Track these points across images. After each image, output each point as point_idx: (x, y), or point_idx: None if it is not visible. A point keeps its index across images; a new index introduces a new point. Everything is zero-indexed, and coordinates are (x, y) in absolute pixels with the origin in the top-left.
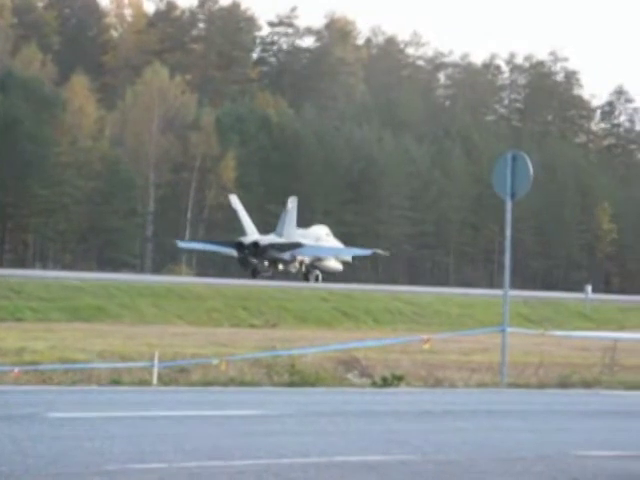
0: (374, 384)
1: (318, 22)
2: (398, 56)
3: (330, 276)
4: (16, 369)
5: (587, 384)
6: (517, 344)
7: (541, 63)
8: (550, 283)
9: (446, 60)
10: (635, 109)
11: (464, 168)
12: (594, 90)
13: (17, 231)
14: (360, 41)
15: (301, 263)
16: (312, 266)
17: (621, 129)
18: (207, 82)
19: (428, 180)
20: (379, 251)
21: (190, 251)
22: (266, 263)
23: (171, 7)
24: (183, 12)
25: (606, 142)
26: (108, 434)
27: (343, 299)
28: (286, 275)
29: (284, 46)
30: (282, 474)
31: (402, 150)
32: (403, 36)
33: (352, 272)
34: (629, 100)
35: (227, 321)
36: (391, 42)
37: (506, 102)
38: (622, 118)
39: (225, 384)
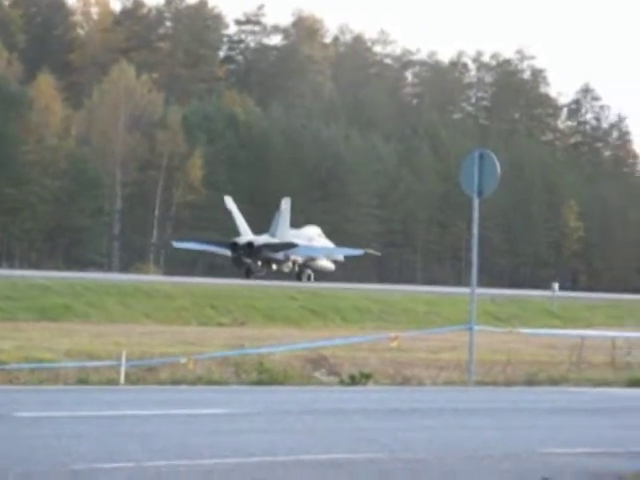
0: (342, 382)
1: (285, 20)
2: (365, 54)
3: (322, 275)
4: None
5: (554, 382)
6: (485, 342)
7: (508, 61)
8: (517, 281)
9: (413, 58)
10: (601, 107)
11: (431, 166)
12: (561, 88)
13: None
14: (328, 39)
15: (294, 263)
16: (305, 266)
17: (588, 127)
18: (174, 80)
19: (395, 178)
20: (371, 251)
21: (186, 251)
22: (259, 263)
23: (138, 5)
24: (150, 10)
25: (573, 140)
26: (75, 433)
27: (311, 297)
28: (279, 275)
29: (251, 44)
30: (250, 473)
31: (369, 148)
32: (370, 34)
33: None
34: (595, 98)
35: (195, 320)
36: (358, 40)
37: (473, 100)
38: (589, 116)
39: (193, 383)
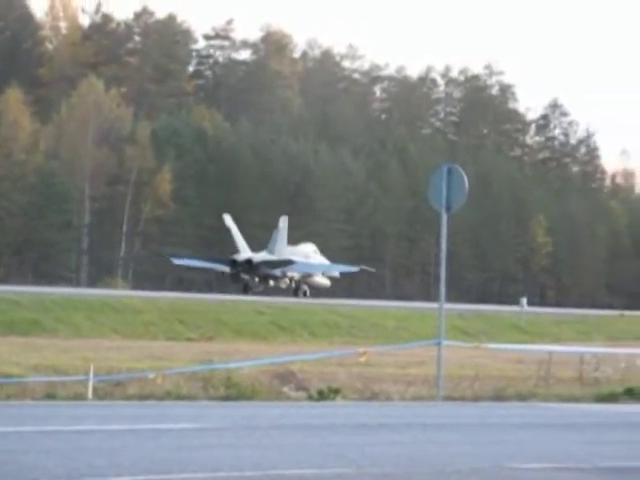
0: (310, 397)
1: (254, 35)
2: (334, 69)
3: (318, 291)
4: None
5: (522, 397)
6: (453, 357)
7: (476, 77)
8: (485, 296)
9: (382, 73)
10: (570, 123)
11: (400, 181)
12: (529, 104)
13: None
14: (296, 54)
15: (291, 279)
16: (301, 282)
17: (556, 142)
18: (143, 95)
19: (364, 193)
20: (366, 268)
21: (186, 268)
22: (257, 279)
23: (107, 20)
24: (119, 25)
25: (541, 155)
26: (43, 448)
27: (279, 312)
28: (276, 290)
29: (220, 59)
30: None
31: (338, 163)
32: (339, 49)
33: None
34: (564, 114)
35: (163, 334)
36: (327, 55)
37: (442, 115)
38: (557, 132)
39: (161, 398)
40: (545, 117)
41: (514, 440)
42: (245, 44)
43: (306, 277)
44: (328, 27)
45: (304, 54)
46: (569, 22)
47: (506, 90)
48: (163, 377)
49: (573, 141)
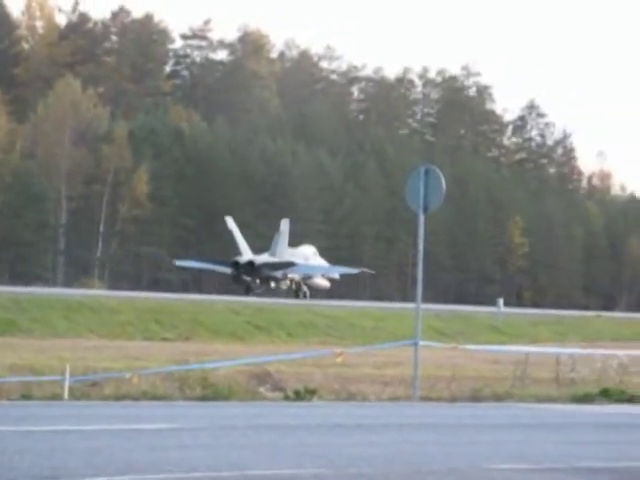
0: (287, 398)
1: (231, 35)
2: (312, 70)
3: (317, 292)
4: None
5: (499, 397)
6: (430, 357)
7: (454, 78)
8: (462, 296)
9: (359, 74)
10: (546, 124)
11: (377, 182)
12: (506, 105)
13: None
14: (274, 54)
15: (292, 281)
16: (301, 283)
17: (533, 144)
18: (120, 95)
19: (341, 194)
20: (366, 270)
21: (187, 269)
22: (258, 281)
23: (83, 19)
24: (96, 24)
25: (518, 156)
26: (18, 448)
27: (256, 313)
28: (277, 292)
29: (197, 59)
30: None
31: (316, 163)
32: (317, 50)
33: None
34: (541, 115)
35: (140, 334)
36: (304, 56)
37: (419, 116)
38: (534, 133)
39: (137, 398)
40: (522, 118)
41: (490, 440)
42: (222, 44)
43: (306, 279)
44: (306, 28)
45: (282, 54)
46: (546, 24)
47: (483, 91)
48: (139, 377)
49: (550, 142)
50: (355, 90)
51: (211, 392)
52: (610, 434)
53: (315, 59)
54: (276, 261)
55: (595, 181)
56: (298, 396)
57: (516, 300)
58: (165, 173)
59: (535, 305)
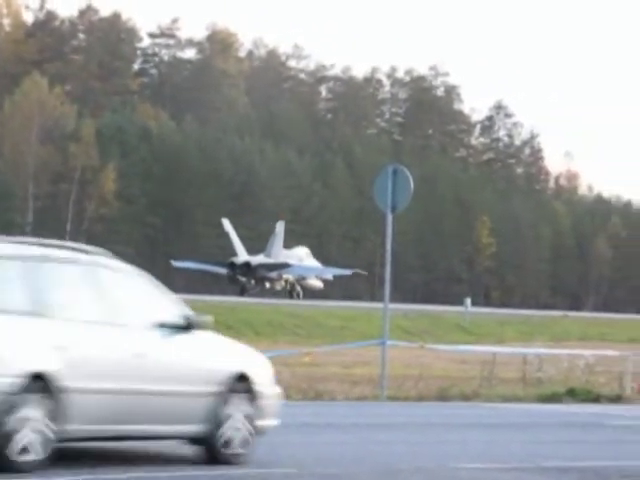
0: None
1: (200, 34)
2: (280, 69)
3: (311, 292)
4: None
5: (466, 397)
6: (397, 357)
7: (422, 77)
8: (430, 296)
9: (328, 73)
10: (514, 124)
11: (345, 181)
12: (474, 105)
13: None
14: (242, 53)
15: (286, 281)
16: (295, 284)
17: (500, 144)
18: (87, 93)
19: (309, 193)
20: (359, 271)
21: (184, 270)
22: (253, 282)
23: (51, 17)
24: (63, 22)
25: (486, 156)
26: None
27: (224, 312)
28: (272, 292)
29: (165, 58)
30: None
31: (284, 162)
32: (285, 49)
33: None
34: (508, 115)
35: None
36: (273, 55)
37: (387, 116)
38: (501, 133)
39: None
40: (490, 118)
41: (458, 440)
42: (191, 43)
43: (300, 279)
44: (274, 27)
45: (250, 53)
46: (513, 24)
47: (451, 91)
48: None
49: (517, 142)
50: (323, 89)
51: None
52: (576, 434)
53: (283, 58)
54: (271, 262)
55: (562, 181)
56: None
57: (483, 300)
58: (132, 172)
59: (502, 305)
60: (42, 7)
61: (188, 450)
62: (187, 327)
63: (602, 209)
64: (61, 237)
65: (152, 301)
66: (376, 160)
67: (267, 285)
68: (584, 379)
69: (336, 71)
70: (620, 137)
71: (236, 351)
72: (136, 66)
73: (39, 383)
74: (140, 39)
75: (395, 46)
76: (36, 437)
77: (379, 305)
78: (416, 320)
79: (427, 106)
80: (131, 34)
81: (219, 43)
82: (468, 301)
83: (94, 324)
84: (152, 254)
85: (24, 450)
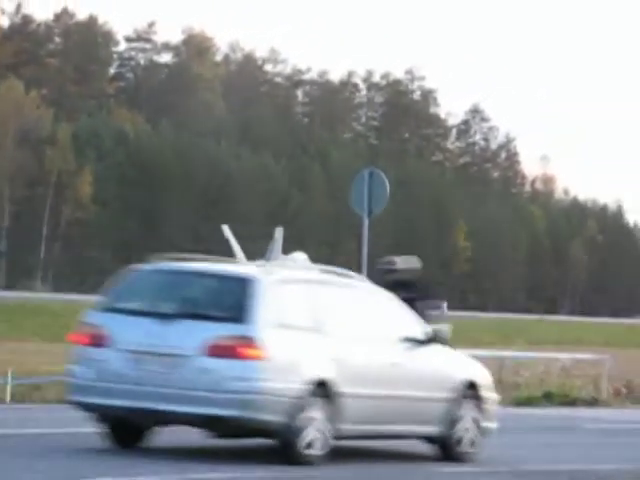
0: None
1: (176, 38)
2: (256, 73)
3: None
4: None
5: None
6: None
7: (398, 81)
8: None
9: (304, 77)
10: (490, 128)
11: (321, 185)
12: (450, 109)
13: None
14: (218, 57)
15: None
16: None
17: (476, 148)
18: (63, 97)
19: (286, 197)
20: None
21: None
22: None
23: (27, 21)
24: (39, 26)
25: (462, 160)
26: None
27: None
28: None
29: (142, 61)
30: None
31: (260, 167)
32: (261, 53)
33: None
34: (484, 119)
35: None
36: (249, 59)
37: (363, 120)
38: (477, 137)
39: None
40: (466, 122)
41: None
42: (167, 47)
43: None
44: (250, 31)
45: (226, 57)
46: (490, 28)
47: (427, 95)
48: None
49: (493, 146)
50: (299, 93)
51: None
52: (552, 437)
53: (259, 62)
54: None
55: (538, 185)
56: None
57: (459, 303)
58: (109, 175)
59: (479, 309)
60: (18, 11)
61: (422, 448)
62: (427, 341)
63: (578, 213)
64: (37, 241)
65: (399, 318)
66: (352, 164)
67: None
68: (560, 382)
69: (312, 75)
70: (596, 141)
71: (464, 362)
72: (112, 70)
73: (321, 389)
74: (116, 43)
75: (371, 50)
76: (319, 435)
77: None
78: None
79: (403, 110)
80: (107, 38)
81: (195, 47)
82: (444, 305)
83: (360, 339)
84: (128, 258)
85: (309, 445)
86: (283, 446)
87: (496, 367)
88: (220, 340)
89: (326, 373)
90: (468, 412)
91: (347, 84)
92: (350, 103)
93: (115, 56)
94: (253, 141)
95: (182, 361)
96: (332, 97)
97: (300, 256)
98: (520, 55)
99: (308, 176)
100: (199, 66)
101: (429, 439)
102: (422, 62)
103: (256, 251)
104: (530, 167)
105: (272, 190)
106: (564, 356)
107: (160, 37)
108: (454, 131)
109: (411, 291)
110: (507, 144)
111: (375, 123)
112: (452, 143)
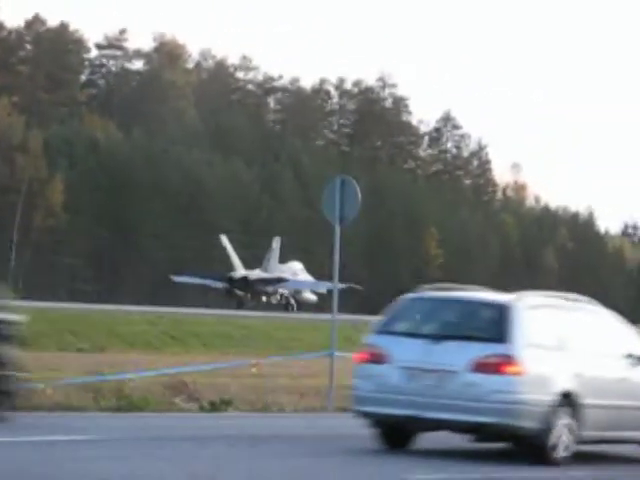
0: (202, 409)
1: (147, 45)
2: (228, 80)
3: (306, 306)
4: None
5: None
6: (345, 368)
7: (370, 89)
8: (379, 307)
9: (276, 84)
10: (462, 135)
11: (293, 192)
12: (422, 116)
13: None
14: (190, 64)
15: (282, 295)
16: (290, 298)
17: (448, 155)
18: (35, 104)
19: (258, 205)
20: (354, 286)
21: (184, 285)
22: (249, 295)
23: None
24: (10, 33)
25: (434, 168)
26: None
27: (171, 323)
28: (268, 306)
29: (113, 69)
30: None
31: (232, 174)
32: (233, 60)
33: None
34: (456, 127)
35: (54, 345)
36: (221, 66)
37: (335, 127)
38: (449, 144)
39: (51, 409)
40: (438, 130)
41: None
42: (138, 54)
43: (295, 293)
44: (222, 37)
45: (198, 64)
46: (461, 35)
47: (399, 102)
48: (53, 388)
49: (465, 154)
50: (271, 101)
51: (126, 403)
52: None
53: (231, 69)
54: (268, 277)
55: (510, 193)
56: (213, 407)
57: None
58: (80, 183)
59: None
60: None
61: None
62: None
63: (549, 220)
64: (7, 249)
65: (623, 336)
66: (324, 171)
67: (263, 299)
68: None
69: (284, 82)
70: (567, 149)
71: None
72: (84, 77)
73: (567, 399)
74: (88, 50)
75: (343, 57)
76: (565, 439)
77: (327, 316)
78: (365, 331)
79: (375, 117)
80: (79, 45)
81: (167, 54)
82: None
83: (595, 355)
84: (99, 265)
85: (557, 448)
86: (535, 449)
87: None
88: (485, 358)
89: (570, 386)
90: None
91: (319, 91)
92: (322, 110)
93: (86, 63)
94: (225, 148)
95: (451, 376)
96: (304, 104)
97: (297, 265)
98: (492, 63)
99: (280, 183)
100: (171, 73)
101: None
102: (394, 69)
103: (229, 262)
104: (502, 175)
105: (244, 197)
106: None
107: (131, 44)
108: (426, 139)
109: None
110: (479, 152)
111: (347, 130)
112: (424, 151)
